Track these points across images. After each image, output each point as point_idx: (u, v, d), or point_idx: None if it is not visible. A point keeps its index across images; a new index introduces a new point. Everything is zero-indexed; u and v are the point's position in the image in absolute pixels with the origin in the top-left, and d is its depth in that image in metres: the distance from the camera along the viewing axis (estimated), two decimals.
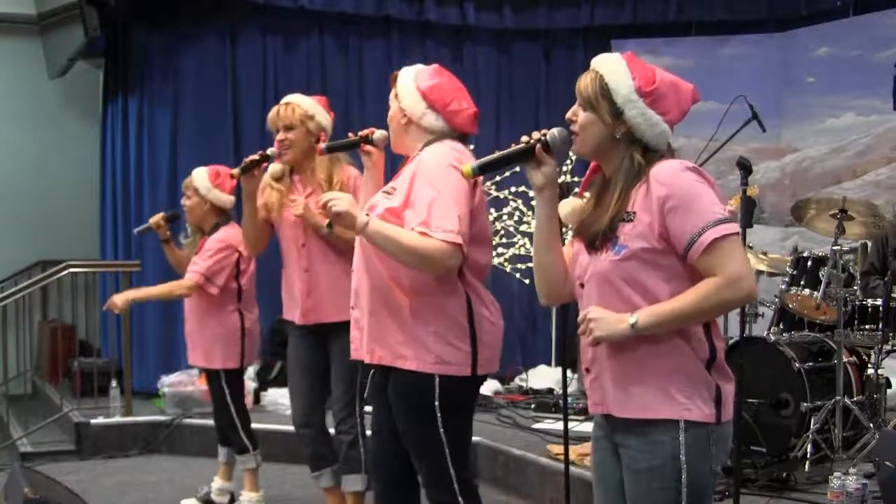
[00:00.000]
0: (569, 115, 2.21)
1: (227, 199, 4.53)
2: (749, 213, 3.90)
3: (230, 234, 4.47)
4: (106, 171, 7.53)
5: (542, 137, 2.22)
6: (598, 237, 2.13)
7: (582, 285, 2.20)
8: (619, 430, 2.17)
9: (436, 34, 7.89)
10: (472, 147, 8.20)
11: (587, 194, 2.27)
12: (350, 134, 3.25)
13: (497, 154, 2.29)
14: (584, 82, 2.18)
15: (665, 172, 2.08)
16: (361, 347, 2.87)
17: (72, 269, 6.63)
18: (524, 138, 2.24)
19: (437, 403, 2.73)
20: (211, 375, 4.56)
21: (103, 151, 7.60)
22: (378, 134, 3.12)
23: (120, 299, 4.53)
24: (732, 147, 4.63)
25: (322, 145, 3.21)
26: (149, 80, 7.36)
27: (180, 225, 4.86)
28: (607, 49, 7.69)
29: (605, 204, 2.16)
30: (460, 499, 2.82)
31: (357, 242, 2.90)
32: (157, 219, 4.78)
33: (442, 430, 2.75)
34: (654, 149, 2.15)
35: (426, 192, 2.70)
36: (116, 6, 6.99)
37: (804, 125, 7.42)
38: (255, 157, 3.75)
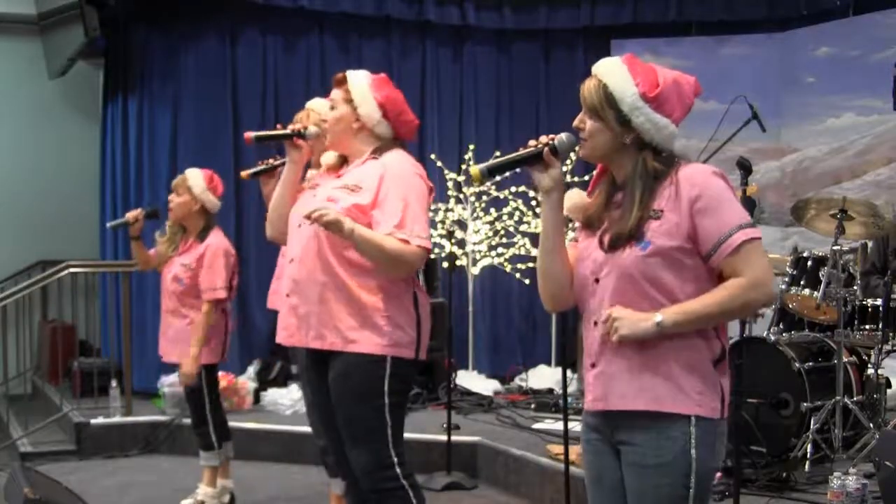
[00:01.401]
0: (576, 122, 2.21)
1: (216, 203, 4.57)
2: (749, 213, 3.89)
3: (222, 240, 4.53)
4: (106, 171, 7.54)
5: (550, 142, 2.21)
6: (621, 239, 2.12)
7: (597, 280, 2.17)
8: (622, 427, 2.17)
9: (436, 34, 7.90)
10: (471, 147, 8.22)
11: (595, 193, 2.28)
12: (279, 126, 3.29)
13: (505, 157, 2.28)
14: (588, 90, 2.18)
15: (697, 174, 2.11)
16: (298, 333, 2.99)
17: (72, 269, 6.62)
18: (532, 142, 2.23)
19: (386, 385, 2.90)
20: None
21: (103, 151, 7.60)
22: (311, 130, 3.18)
23: (188, 371, 4.41)
24: (732, 147, 4.63)
25: (251, 134, 3.22)
26: (149, 80, 7.36)
27: (155, 223, 4.85)
28: (607, 49, 7.71)
29: (620, 206, 2.16)
30: (404, 481, 2.92)
31: (299, 235, 3.01)
32: (136, 213, 4.70)
33: (387, 413, 2.91)
34: (662, 149, 2.16)
35: (398, 196, 2.90)
36: (116, 6, 7.00)
37: (804, 125, 7.42)
38: (270, 161, 3.78)
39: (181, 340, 4.53)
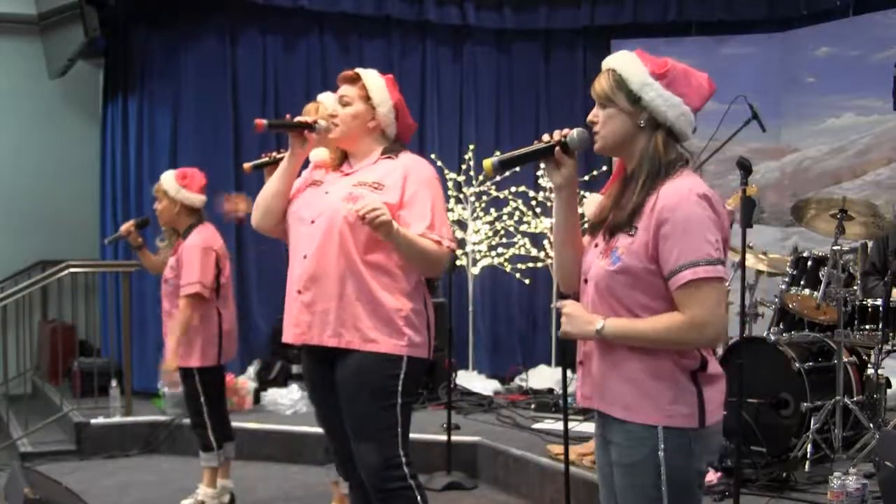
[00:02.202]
0: (590, 117, 2.20)
1: (196, 199, 4.56)
2: (749, 213, 3.90)
3: (205, 236, 4.51)
4: (106, 171, 7.54)
5: (562, 139, 2.20)
6: (619, 227, 2.12)
7: (585, 280, 2.22)
8: (607, 425, 2.21)
9: (436, 34, 7.90)
10: (471, 147, 8.18)
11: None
12: (287, 116, 3.28)
13: (518, 151, 2.26)
14: (598, 81, 2.19)
15: (672, 195, 2.07)
16: (312, 331, 2.95)
17: (72, 269, 6.62)
18: (545, 137, 2.22)
19: (400, 385, 2.91)
20: (185, 374, 4.53)
21: (103, 151, 7.60)
22: (322, 124, 3.10)
23: (170, 367, 4.42)
24: (732, 147, 4.64)
25: (263, 121, 3.20)
26: (149, 80, 7.36)
27: (156, 229, 4.86)
28: (607, 49, 7.70)
29: (626, 198, 2.15)
30: (411, 481, 2.93)
31: (311, 231, 2.97)
32: (127, 226, 4.78)
33: (399, 412, 2.93)
34: (679, 133, 2.15)
35: (426, 198, 2.95)
36: (116, 6, 6.99)
37: (804, 125, 7.42)
38: (273, 154, 3.77)
39: (181, 343, 4.51)
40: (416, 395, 3.14)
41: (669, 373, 2.10)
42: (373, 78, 3.08)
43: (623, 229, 2.11)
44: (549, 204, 7.42)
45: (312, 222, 2.98)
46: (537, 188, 7.46)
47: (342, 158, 3.12)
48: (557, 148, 2.20)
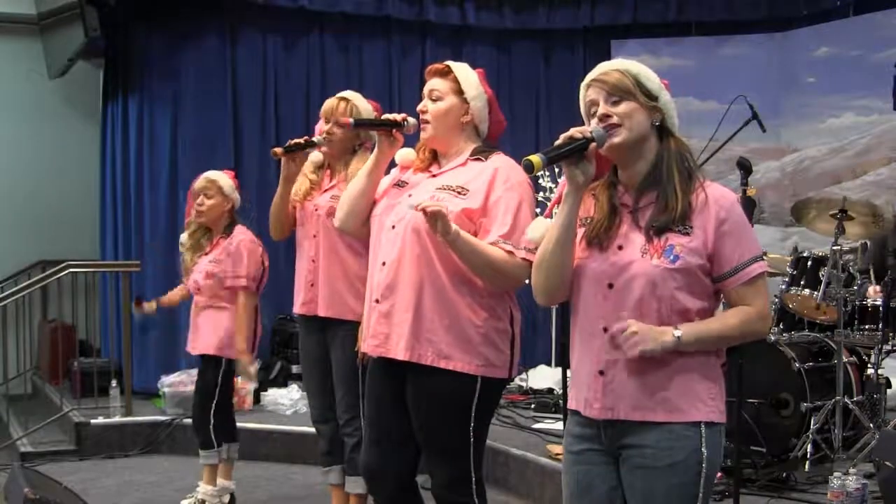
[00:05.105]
0: (601, 112, 2.15)
1: (239, 200, 4.61)
2: (749, 213, 3.90)
3: (250, 234, 4.55)
4: (106, 171, 7.53)
5: (590, 134, 2.14)
6: (668, 224, 2.10)
7: (610, 286, 2.15)
8: (630, 432, 2.15)
9: (436, 34, 7.89)
10: None
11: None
12: (375, 113, 3.21)
13: (560, 149, 2.14)
14: (615, 76, 2.17)
15: (724, 197, 2.16)
16: (389, 343, 2.83)
17: (72, 269, 6.62)
18: (575, 133, 2.13)
19: (474, 405, 2.78)
20: (210, 365, 4.51)
21: (103, 151, 7.59)
22: (411, 122, 3.01)
23: (245, 369, 4.46)
24: (732, 147, 4.64)
25: (350, 119, 3.12)
26: (149, 80, 7.35)
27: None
28: (607, 49, 7.71)
29: (648, 206, 2.15)
30: (476, 499, 2.86)
31: (391, 237, 2.85)
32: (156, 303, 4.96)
33: (472, 430, 2.80)
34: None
35: (510, 204, 2.76)
36: (116, 6, 6.99)
37: (804, 125, 7.42)
38: (301, 140, 3.73)
39: (209, 332, 4.48)
40: (493, 413, 2.97)
41: (714, 371, 2.17)
42: (464, 70, 2.94)
43: (672, 228, 2.10)
44: (549, 204, 7.41)
45: (393, 227, 2.85)
46: (537, 188, 7.45)
47: (432, 159, 2.97)
48: (593, 145, 2.14)
